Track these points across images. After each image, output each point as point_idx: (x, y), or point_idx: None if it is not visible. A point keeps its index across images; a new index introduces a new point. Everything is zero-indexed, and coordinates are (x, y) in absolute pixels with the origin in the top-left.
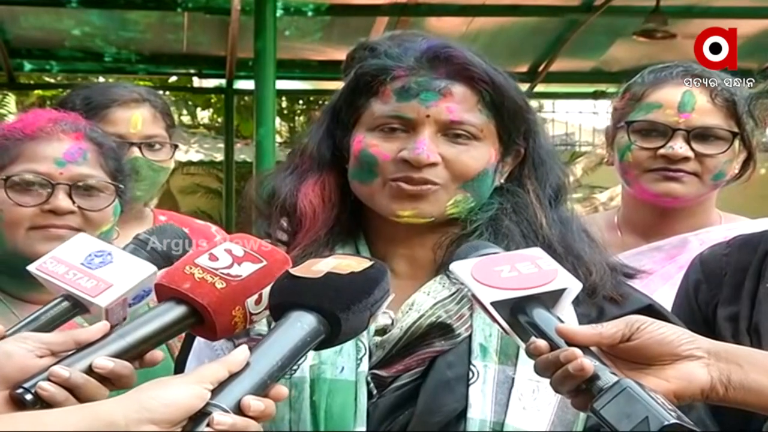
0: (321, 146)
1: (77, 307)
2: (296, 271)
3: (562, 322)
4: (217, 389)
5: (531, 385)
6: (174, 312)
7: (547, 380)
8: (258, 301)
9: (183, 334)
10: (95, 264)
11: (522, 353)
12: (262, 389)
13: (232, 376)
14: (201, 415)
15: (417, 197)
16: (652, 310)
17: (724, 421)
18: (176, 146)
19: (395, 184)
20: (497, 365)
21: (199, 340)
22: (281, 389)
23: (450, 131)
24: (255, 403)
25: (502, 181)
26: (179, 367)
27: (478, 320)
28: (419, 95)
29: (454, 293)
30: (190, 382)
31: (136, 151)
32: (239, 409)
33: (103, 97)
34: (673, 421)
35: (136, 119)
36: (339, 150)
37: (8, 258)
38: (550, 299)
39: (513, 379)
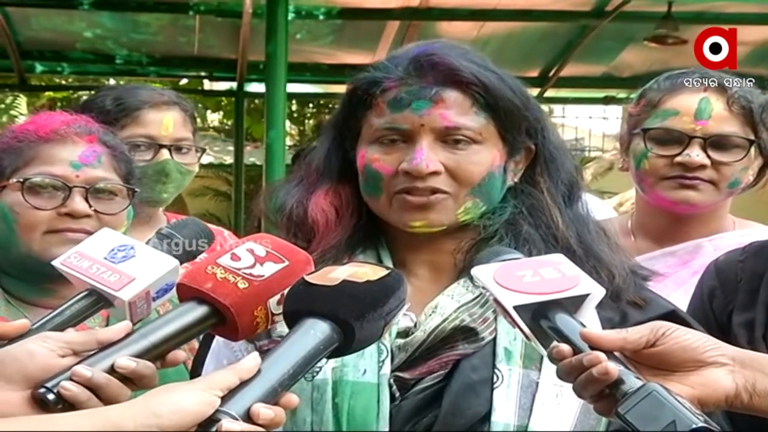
0: (329, 159)
1: (101, 301)
2: (312, 279)
3: (584, 327)
4: (227, 396)
5: (555, 389)
6: (196, 312)
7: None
8: (280, 302)
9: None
10: (118, 258)
11: (546, 358)
12: (272, 397)
13: (243, 384)
14: (210, 422)
15: (424, 207)
16: (674, 316)
17: (737, 429)
18: (204, 150)
19: (400, 197)
20: (522, 369)
21: (217, 341)
22: (292, 397)
23: (448, 138)
24: (264, 411)
25: (516, 180)
26: (197, 368)
27: (502, 324)
28: (411, 105)
29: (477, 297)
30: (200, 389)
31: (165, 154)
32: (249, 417)
33: (135, 98)
34: (701, 425)
35: (168, 122)
36: (349, 162)
37: (22, 261)
38: (572, 305)
39: (537, 383)
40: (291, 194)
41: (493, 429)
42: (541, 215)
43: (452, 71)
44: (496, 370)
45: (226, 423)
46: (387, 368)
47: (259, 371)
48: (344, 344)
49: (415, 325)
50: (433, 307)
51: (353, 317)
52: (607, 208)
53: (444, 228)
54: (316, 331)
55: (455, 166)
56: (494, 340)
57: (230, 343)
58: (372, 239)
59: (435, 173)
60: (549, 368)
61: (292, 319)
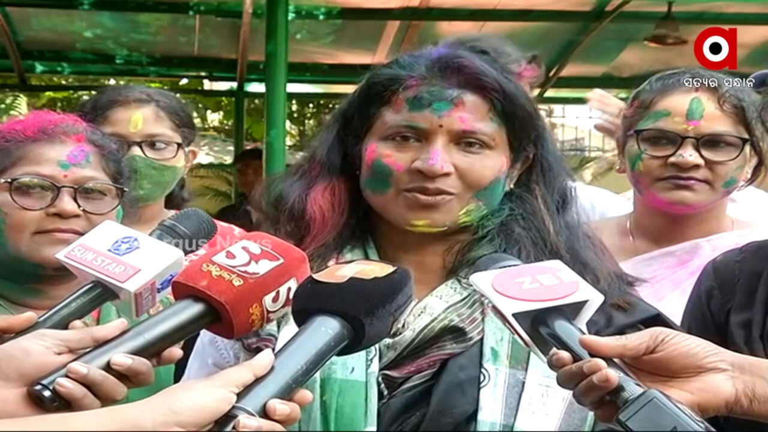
0: (331, 152)
1: (106, 293)
2: (320, 277)
3: (584, 333)
4: (243, 393)
5: (540, 389)
6: (191, 310)
7: (556, 384)
8: (275, 299)
9: None
10: (122, 250)
11: (532, 357)
12: (287, 393)
13: (258, 380)
14: (227, 418)
15: (431, 207)
16: (659, 320)
17: None
18: (180, 145)
19: (410, 194)
20: (508, 369)
21: (201, 341)
22: (306, 394)
23: (462, 140)
24: (280, 407)
25: (512, 186)
26: (179, 369)
27: (489, 324)
28: (432, 105)
29: (465, 297)
30: (217, 386)
31: (135, 150)
32: (265, 413)
33: (106, 98)
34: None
35: (136, 119)
36: (349, 156)
37: (10, 262)
38: (571, 311)
39: (523, 382)
40: (293, 188)
41: (480, 428)
42: (533, 220)
43: (476, 75)
44: (483, 370)
45: (243, 419)
46: (375, 366)
47: (272, 368)
48: (354, 341)
49: (403, 325)
50: (422, 308)
51: (363, 314)
52: (620, 200)
53: (444, 229)
54: (326, 327)
55: (467, 168)
56: (482, 340)
57: (216, 342)
58: (360, 238)
59: (446, 174)
60: (535, 368)
61: (302, 317)
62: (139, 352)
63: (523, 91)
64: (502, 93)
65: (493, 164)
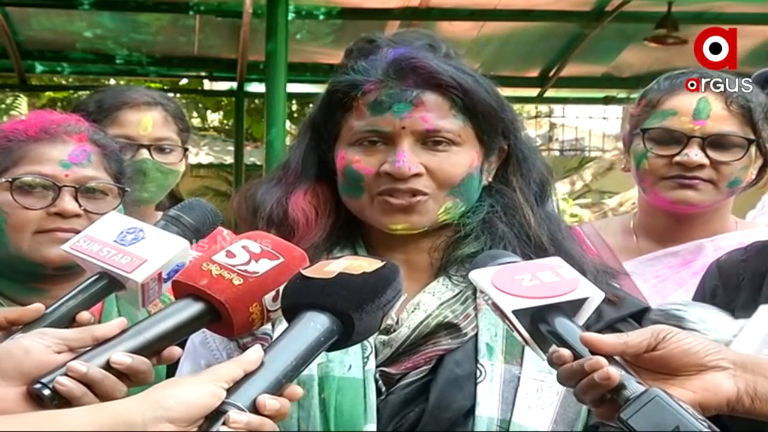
0: (306, 160)
1: (113, 284)
2: (308, 272)
3: (584, 331)
4: (233, 388)
5: (535, 383)
6: (191, 308)
7: (551, 379)
8: (275, 298)
9: None
10: (128, 241)
11: (527, 352)
12: (277, 388)
13: (247, 376)
14: (217, 413)
15: (406, 210)
16: (648, 313)
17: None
18: (186, 149)
19: (382, 198)
20: (503, 364)
21: (192, 342)
22: (296, 389)
23: (428, 140)
24: (270, 402)
25: (490, 179)
26: (171, 368)
27: (483, 320)
28: (392, 107)
29: (457, 294)
30: (206, 381)
31: (144, 153)
32: (255, 408)
33: (115, 99)
34: (705, 431)
35: (146, 121)
36: (325, 162)
37: (12, 261)
38: (571, 308)
39: (518, 377)
40: (270, 194)
41: (478, 423)
42: (514, 214)
43: (432, 74)
44: (479, 365)
45: (233, 414)
46: (372, 364)
47: (262, 363)
48: (344, 336)
49: (397, 322)
50: (415, 304)
51: (352, 309)
52: None
53: (424, 229)
54: (316, 323)
55: (436, 167)
56: (476, 335)
57: (207, 342)
58: (349, 238)
59: (417, 175)
60: (529, 363)
61: (291, 313)
62: (138, 350)
63: (484, 85)
64: (461, 89)
65: (462, 161)
